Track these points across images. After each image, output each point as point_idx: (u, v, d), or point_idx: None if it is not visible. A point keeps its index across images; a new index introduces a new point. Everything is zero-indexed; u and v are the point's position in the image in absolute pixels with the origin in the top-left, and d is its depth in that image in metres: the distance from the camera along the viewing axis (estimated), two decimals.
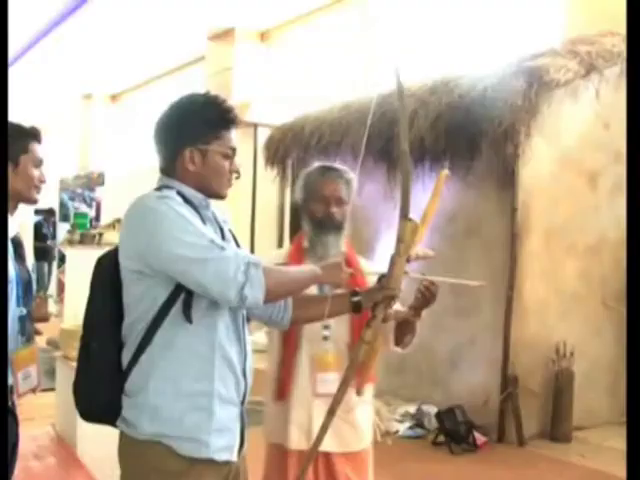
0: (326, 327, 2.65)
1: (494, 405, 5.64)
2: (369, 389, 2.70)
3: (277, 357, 2.67)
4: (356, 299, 2.19)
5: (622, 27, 6.07)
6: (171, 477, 1.98)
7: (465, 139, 5.48)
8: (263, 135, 8.46)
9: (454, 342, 6.06)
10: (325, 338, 2.67)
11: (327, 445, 2.54)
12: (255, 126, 9.06)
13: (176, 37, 10.93)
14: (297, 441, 2.63)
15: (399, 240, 2.05)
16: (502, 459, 5.28)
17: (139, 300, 1.99)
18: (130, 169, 11.84)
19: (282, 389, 2.63)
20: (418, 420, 5.83)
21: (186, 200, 2.03)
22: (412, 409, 5.94)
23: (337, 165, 2.80)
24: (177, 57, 12.13)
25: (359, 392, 2.19)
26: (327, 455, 2.65)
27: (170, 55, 12.00)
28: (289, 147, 7.26)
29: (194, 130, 2.06)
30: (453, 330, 6.05)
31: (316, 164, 2.83)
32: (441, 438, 5.48)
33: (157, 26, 10.49)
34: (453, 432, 5.42)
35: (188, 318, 1.95)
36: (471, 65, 6.18)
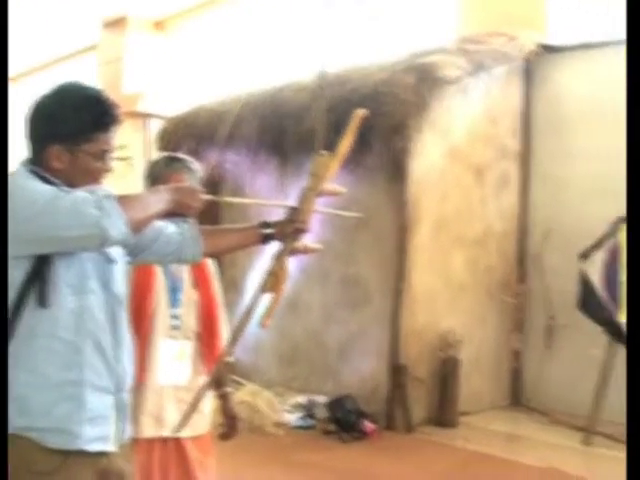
0: (175, 317, 2.71)
1: (383, 393, 5.76)
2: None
3: None
4: (267, 231, 2.17)
5: (509, 28, 6.36)
6: (41, 474, 1.90)
7: (356, 133, 5.54)
8: (156, 126, 8.32)
9: (345, 333, 6.15)
10: (175, 327, 2.71)
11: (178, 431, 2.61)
12: (147, 117, 8.90)
13: (70, 24, 10.59)
14: (148, 429, 2.65)
15: (311, 174, 2.07)
16: (390, 446, 5.40)
17: (9, 288, 1.90)
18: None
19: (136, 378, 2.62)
20: (309, 410, 5.88)
21: (39, 177, 1.95)
22: (303, 400, 5.99)
23: (182, 155, 2.83)
24: (71, 44, 11.77)
25: (264, 324, 2.15)
26: (178, 441, 2.70)
27: (64, 42, 11.63)
28: (182, 139, 7.14)
29: (65, 129, 1.95)
30: (344, 321, 6.15)
31: (161, 154, 2.88)
32: (331, 427, 5.56)
33: (51, 12, 10.15)
34: (343, 421, 5.51)
35: (42, 302, 1.88)
36: (363, 60, 6.27)
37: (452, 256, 6.10)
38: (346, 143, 2.13)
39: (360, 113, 2.13)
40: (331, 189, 2.14)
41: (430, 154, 5.85)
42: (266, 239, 2.19)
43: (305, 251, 2.20)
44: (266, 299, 2.15)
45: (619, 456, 5.21)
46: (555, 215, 6.45)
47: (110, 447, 2.01)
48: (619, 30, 6.32)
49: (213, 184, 6.73)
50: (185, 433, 2.66)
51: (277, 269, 2.12)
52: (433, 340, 5.87)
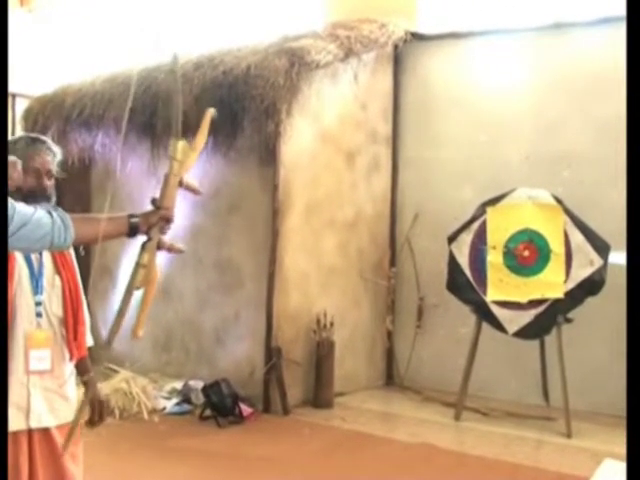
0: (38, 303, 2.64)
1: (259, 377, 5.79)
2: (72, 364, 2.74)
3: None
4: (134, 220, 2.13)
5: (379, 15, 6.47)
6: None
7: (228, 116, 5.51)
8: (22, 106, 7.97)
9: (219, 317, 6.14)
10: (38, 314, 2.64)
11: (45, 421, 2.60)
12: (13, 96, 8.51)
13: None
14: (16, 422, 2.55)
15: (172, 158, 2.05)
16: (268, 428, 5.44)
17: None
18: None
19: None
20: (185, 396, 5.84)
21: None
22: (179, 385, 5.94)
23: (43, 137, 2.75)
24: None
25: (136, 335, 2.12)
26: (45, 431, 2.63)
27: None
28: (49, 119, 6.88)
29: None
30: (218, 306, 6.13)
31: (20, 134, 2.79)
32: (208, 412, 5.54)
33: None
34: (219, 405, 5.49)
35: None
36: (236, 43, 6.23)
37: (324, 239, 6.18)
38: (200, 140, 2.13)
39: (211, 112, 2.13)
40: (192, 186, 2.13)
41: (301, 138, 5.89)
42: (133, 231, 2.16)
43: (170, 249, 2.18)
44: (136, 304, 2.11)
45: (486, 429, 5.47)
46: (424, 199, 6.66)
47: None
48: (485, 21, 6.57)
49: (83, 167, 6.54)
50: (51, 422, 2.61)
51: (146, 261, 2.09)
52: (307, 322, 5.94)
